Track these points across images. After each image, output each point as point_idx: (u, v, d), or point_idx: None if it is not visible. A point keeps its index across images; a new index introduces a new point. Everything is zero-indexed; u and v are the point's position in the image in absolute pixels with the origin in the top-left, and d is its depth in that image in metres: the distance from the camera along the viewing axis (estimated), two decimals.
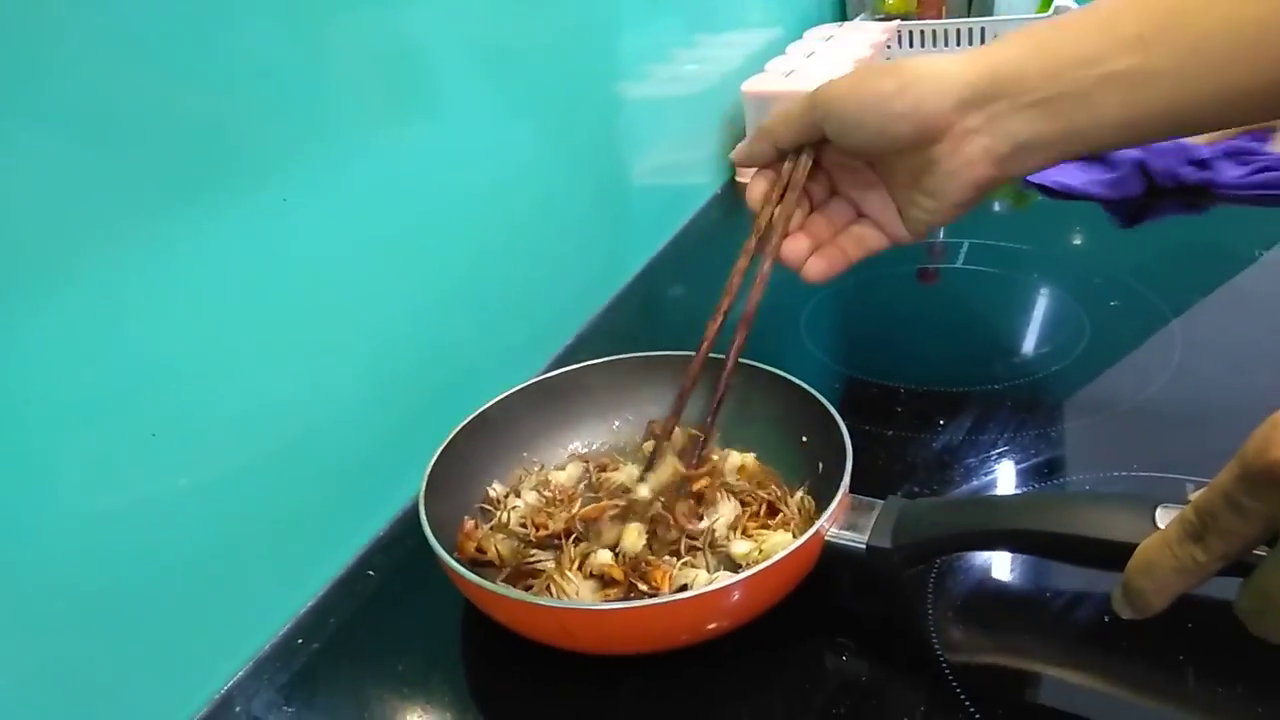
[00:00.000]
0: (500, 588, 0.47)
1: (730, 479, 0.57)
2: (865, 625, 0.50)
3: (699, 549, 0.52)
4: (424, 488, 0.52)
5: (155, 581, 0.46)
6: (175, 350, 0.46)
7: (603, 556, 0.51)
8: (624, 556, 0.51)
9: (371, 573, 0.58)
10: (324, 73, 0.53)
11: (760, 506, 0.55)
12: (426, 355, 0.64)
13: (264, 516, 0.52)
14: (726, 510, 0.54)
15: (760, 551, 0.51)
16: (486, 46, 0.68)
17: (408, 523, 0.61)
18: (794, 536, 0.51)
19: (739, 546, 0.52)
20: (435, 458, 0.54)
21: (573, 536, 0.54)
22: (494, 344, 0.71)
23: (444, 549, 0.48)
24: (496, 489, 0.59)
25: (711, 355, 0.55)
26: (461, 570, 0.46)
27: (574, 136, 0.82)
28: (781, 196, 0.53)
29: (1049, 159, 0.48)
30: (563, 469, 0.61)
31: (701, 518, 0.54)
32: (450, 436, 0.56)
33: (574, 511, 0.56)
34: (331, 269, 0.55)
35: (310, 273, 0.54)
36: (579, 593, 0.50)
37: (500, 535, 0.55)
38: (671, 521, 0.53)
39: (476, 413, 0.58)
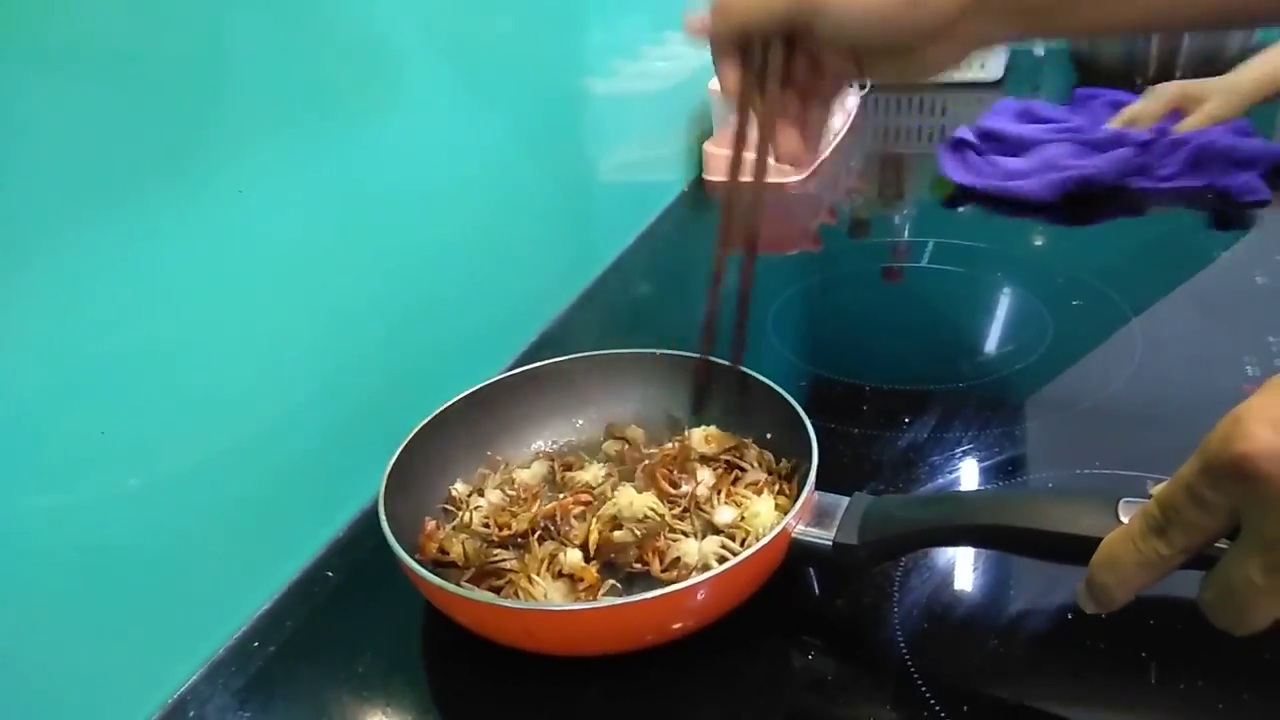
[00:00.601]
0: (462, 589, 0.46)
1: (701, 449, 0.58)
2: (831, 623, 0.50)
3: (687, 512, 0.53)
4: (384, 487, 0.51)
5: (104, 583, 0.45)
6: (125, 346, 0.45)
7: (573, 556, 0.50)
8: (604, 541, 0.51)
9: (330, 574, 0.57)
10: (283, 61, 0.52)
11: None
12: (386, 352, 0.63)
13: (218, 517, 0.51)
14: (705, 476, 0.55)
15: (743, 519, 0.51)
16: (451, 37, 0.67)
17: (367, 524, 0.60)
18: (770, 496, 0.53)
19: (723, 514, 0.52)
20: (395, 457, 0.53)
21: (537, 534, 0.53)
22: (456, 341, 0.70)
23: (405, 550, 0.47)
24: (460, 488, 0.58)
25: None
26: (422, 572, 0.45)
27: (540, 131, 0.81)
28: (752, 89, 0.52)
29: (1010, 43, 0.51)
30: (527, 467, 0.60)
31: (678, 485, 0.54)
32: (410, 435, 0.55)
33: (535, 510, 0.55)
34: (289, 263, 0.54)
35: (267, 267, 0.53)
36: (548, 594, 0.49)
37: (464, 535, 0.54)
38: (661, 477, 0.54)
39: (437, 411, 0.57)
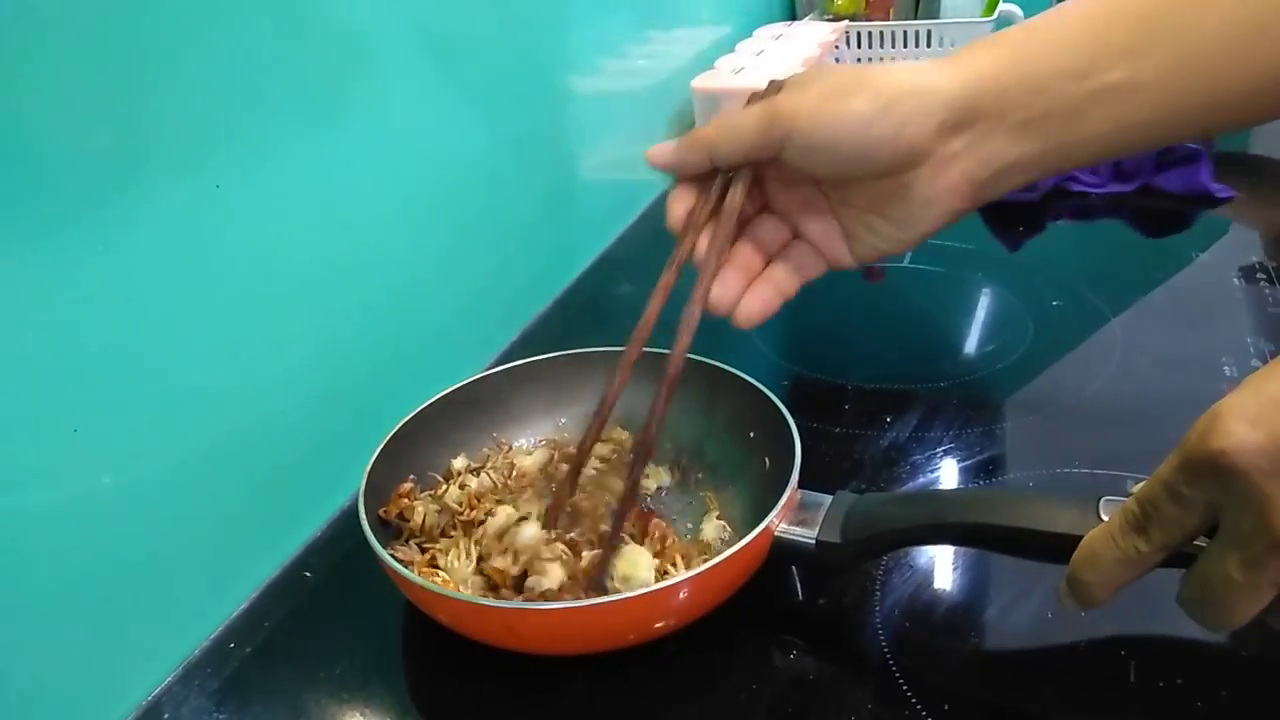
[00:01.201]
0: (444, 588, 0.46)
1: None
2: (813, 622, 0.50)
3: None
4: (364, 487, 0.51)
5: (78, 583, 0.44)
6: (99, 342, 0.44)
7: (497, 563, 0.50)
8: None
9: (308, 574, 0.56)
10: (262, 55, 0.52)
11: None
12: (366, 350, 0.62)
13: (194, 516, 0.50)
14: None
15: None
16: (431, 33, 0.66)
17: (346, 523, 0.59)
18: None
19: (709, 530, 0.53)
20: (375, 455, 0.53)
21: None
22: (436, 339, 0.69)
23: (385, 550, 0.46)
24: (459, 463, 0.58)
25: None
26: (403, 570, 0.45)
27: (521, 129, 0.81)
28: (709, 216, 0.46)
29: (1028, 179, 0.44)
30: (529, 454, 0.60)
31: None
32: (390, 434, 0.55)
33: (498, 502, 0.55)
34: (266, 260, 0.54)
35: (244, 263, 0.52)
36: (461, 585, 0.49)
37: (434, 506, 0.54)
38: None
39: (417, 410, 0.57)
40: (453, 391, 0.59)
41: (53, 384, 0.42)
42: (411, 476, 0.56)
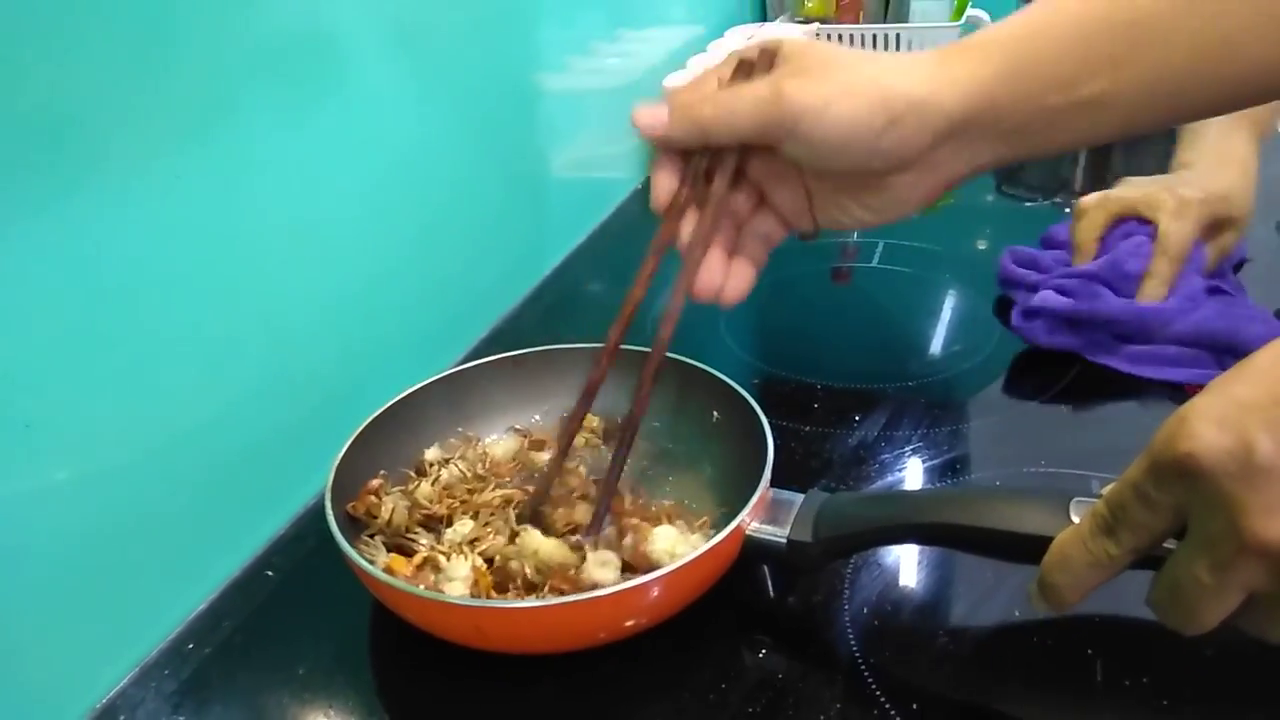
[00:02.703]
0: (411, 586, 0.45)
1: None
2: (783, 621, 0.50)
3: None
4: (331, 482, 0.50)
5: (29, 581, 0.43)
6: (52, 334, 0.43)
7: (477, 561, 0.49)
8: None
9: (270, 572, 0.55)
10: (225, 43, 0.50)
11: None
12: (331, 346, 0.61)
13: (152, 512, 0.49)
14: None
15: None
16: (398, 26, 0.65)
17: (310, 521, 0.58)
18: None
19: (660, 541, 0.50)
20: (343, 450, 0.52)
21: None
22: (405, 335, 0.68)
23: (350, 546, 0.45)
24: (432, 454, 0.58)
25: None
26: (369, 568, 0.44)
27: (491, 125, 0.80)
28: (691, 197, 0.46)
29: (990, 170, 0.45)
30: (498, 443, 0.59)
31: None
32: (357, 431, 0.54)
33: (458, 500, 0.54)
34: (227, 251, 0.52)
35: (203, 255, 0.51)
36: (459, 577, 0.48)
37: (405, 502, 0.53)
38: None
39: (386, 405, 0.56)
40: (421, 387, 0.58)
41: (5, 377, 0.41)
42: (382, 471, 0.55)
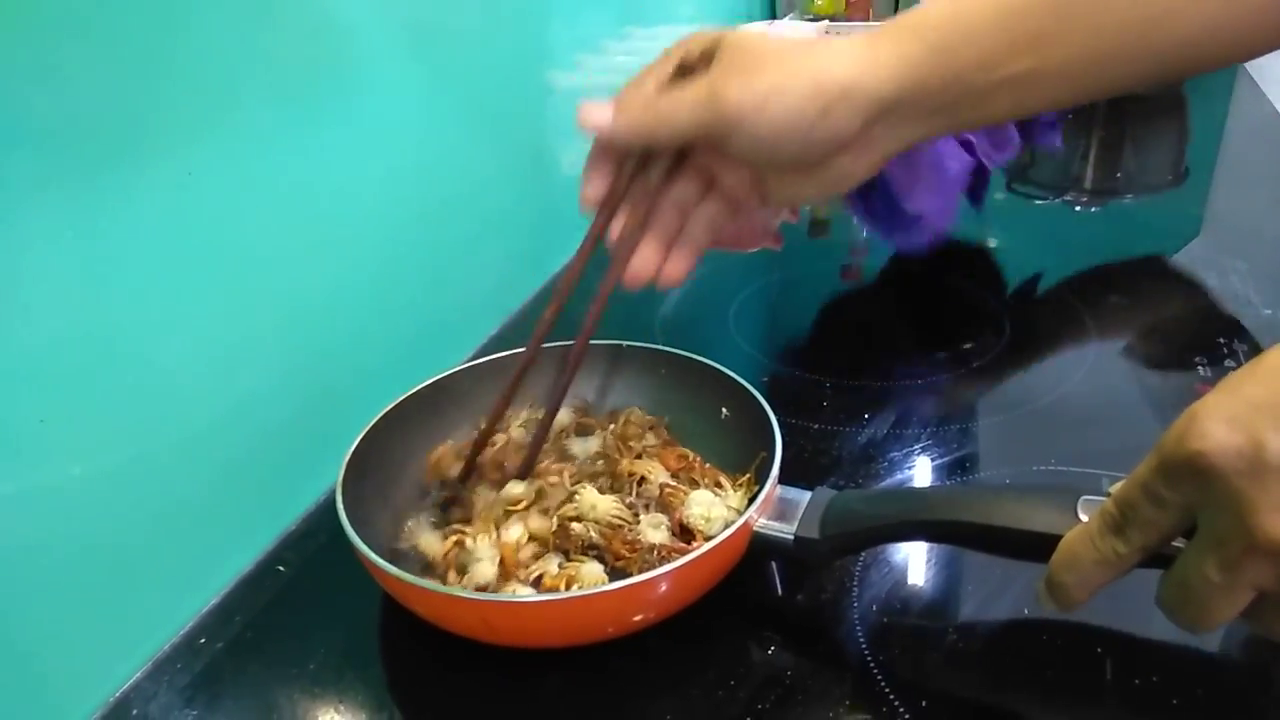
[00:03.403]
0: (420, 580, 0.45)
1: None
2: (791, 618, 0.50)
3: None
4: (342, 476, 0.50)
5: (44, 575, 0.43)
6: (67, 330, 0.43)
7: (512, 534, 0.51)
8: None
9: (282, 568, 0.55)
10: (242, 45, 0.51)
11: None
12: (342, 340, 0.62)
13: (165, 508, 0.49)
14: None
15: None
16: (411, 23, 0.65)
17: (322, 517, 0.58)
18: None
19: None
20: (354, 445, 0.52)
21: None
22: (414, 332, 0.69)
23: (362, 540, 0.46)
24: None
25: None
26: (379, 561, 0.44)
27: (501, 123, 0.80)
28: (625, 192, 0.48)
29: (923, 143, 0.48)
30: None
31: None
32: (369, 426, 0.54)
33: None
34: (240, 249, 0.53)
35: (217, 252, 0.51)
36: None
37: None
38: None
39: (397, 401, 0.56)
40: (431, 384, 0.58)
41: (19, 373, 0.41)
42: (449, 440, 0.58)
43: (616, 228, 0.49)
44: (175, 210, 0.48)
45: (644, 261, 0.49)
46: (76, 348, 0.44)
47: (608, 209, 0.49)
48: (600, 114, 0.46)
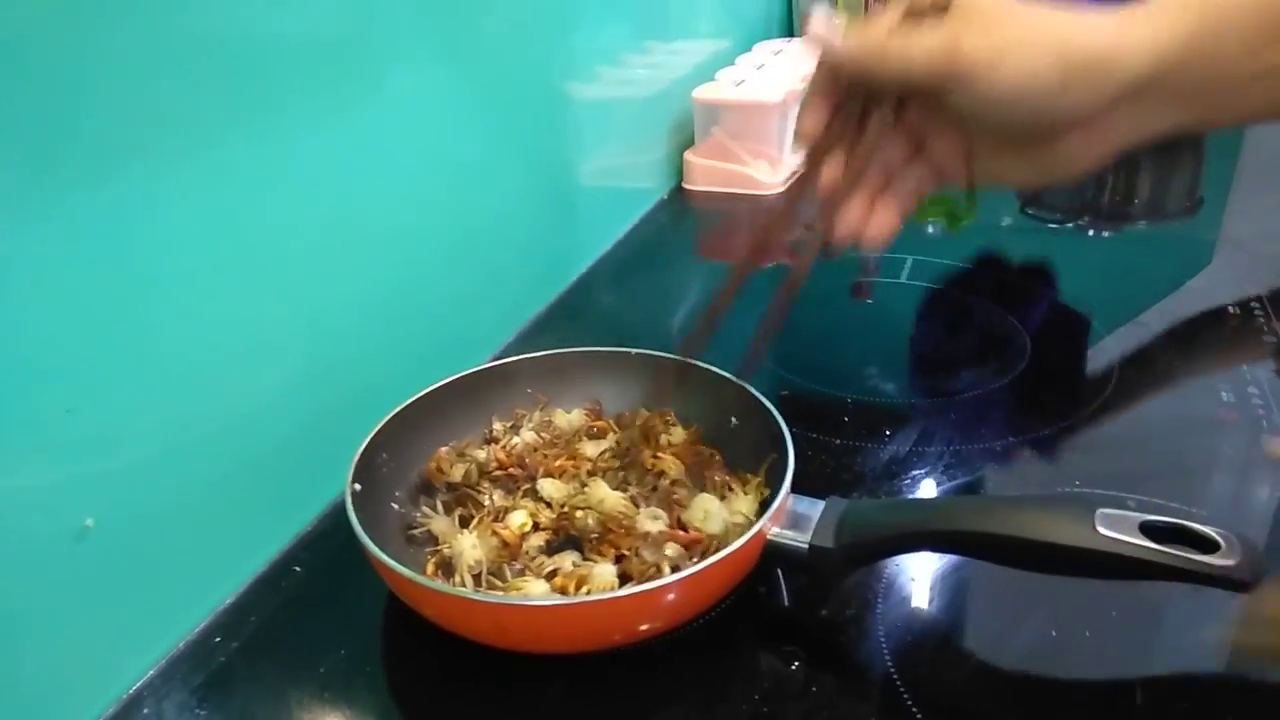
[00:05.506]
0: (431, 581, 0.45)
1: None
2: (807, 629, 0.49)
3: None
4: (351, 475, 0.50)
5: (59, 570, 0.43)
6: (96, 323, 0.43)
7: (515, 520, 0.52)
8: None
9: (298, 569, 0.55)
10: (275, 45, 0.51)
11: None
12: (362, 345, 0.62)
13: (183, 504, 0.49)
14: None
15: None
16: (437, 34, 0.66)
17: (337, 518, 0.58)
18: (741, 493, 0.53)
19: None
20: (363, 446, 0.52)
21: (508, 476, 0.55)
22: (433, 338, 0.69)
23: (373, 542, 0.45)
24: (499, 426, 0.60)
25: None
26: (390, 563, 0.44)
27: (522, 132, 0.81)
28: (837, 143, 0.45)
29: (1164, 138, 0.42)
30: (568, 412, 0.61)
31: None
32: (375, 430, 0.54)
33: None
34: (267, 248, 0.53)
35: (245, 250, 0.51)
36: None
37: (469, 461, 0.55)
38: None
39: (407, 402, 0.57)
40: (444, 385, 0.59)
41: (48, 362, 0.41)
42: (453, 442, 0.58)
43: (830, 175, 0.46)
44: (204, 207, 0.48)
45: (853, 217, 0.46)
46: (105, 340, 0.44)
47: (820, 154, 0.45)
48: (829, 29, 0.43)
